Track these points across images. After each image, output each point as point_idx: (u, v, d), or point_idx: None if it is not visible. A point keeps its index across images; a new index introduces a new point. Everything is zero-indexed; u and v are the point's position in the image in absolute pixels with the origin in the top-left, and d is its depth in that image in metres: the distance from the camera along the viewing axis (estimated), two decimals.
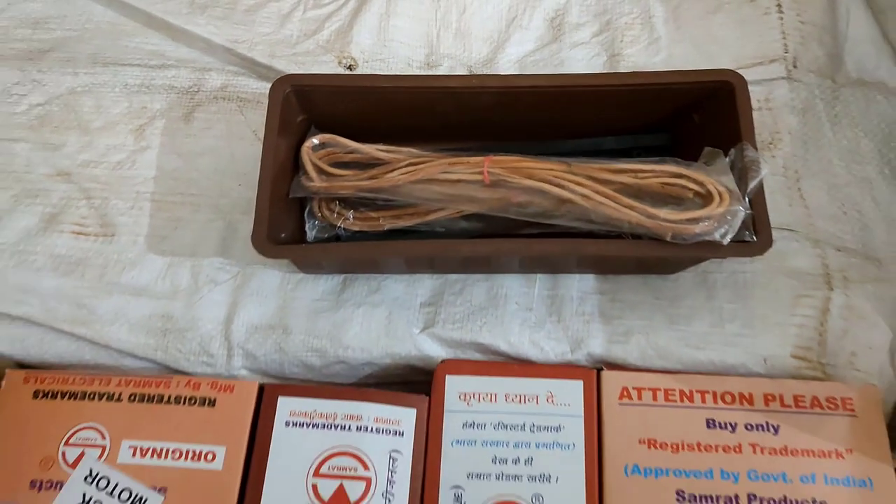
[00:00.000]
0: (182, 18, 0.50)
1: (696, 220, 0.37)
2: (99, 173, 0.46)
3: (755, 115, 0.42)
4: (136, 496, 0.36)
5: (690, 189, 0.38)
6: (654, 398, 0.38)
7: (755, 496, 0.36)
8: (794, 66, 0.46)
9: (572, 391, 0.38)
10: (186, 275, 0.44)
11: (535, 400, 0.38)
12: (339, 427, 0.37)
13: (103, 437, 0.37)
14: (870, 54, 0.47)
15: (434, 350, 0.41)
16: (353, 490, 0.36)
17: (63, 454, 0.37)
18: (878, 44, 0.48)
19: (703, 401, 0.38)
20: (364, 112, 0.43)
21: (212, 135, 0.47)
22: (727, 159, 0.39)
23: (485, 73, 0.48)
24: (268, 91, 0.40)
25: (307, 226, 0.42)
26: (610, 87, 0.41)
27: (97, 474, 0.36)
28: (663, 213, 0.37)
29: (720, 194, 0.37)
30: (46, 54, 0.50)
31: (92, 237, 0.45)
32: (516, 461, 0.37)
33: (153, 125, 0.48)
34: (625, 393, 0.38)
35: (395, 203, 0.41)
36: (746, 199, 0.37)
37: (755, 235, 0.37)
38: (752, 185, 0.38)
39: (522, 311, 0.42)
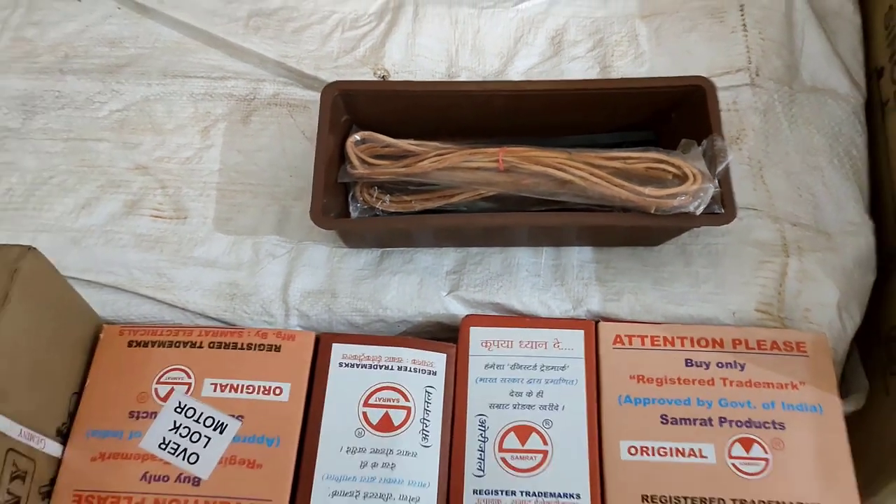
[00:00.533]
0: (239, 37, 0.58)
1: (674, 196, 0.45)
2: (171, 167, 0.55)
3: (724, 115, 0.51)
4: (218, 422, 0.44)
5: (670, 171, 0.46)
6: (642, 343, 0.46)
7: (725, 419, 0.43)
8: (757, 75, 0.55)
9: (575, 338, 0.46)
10: (248, 250, 0.52)
11: (544, 346, 0.46)
12: (383, 367, 0.45)
13: (189, 377, 0.45)
14: (822, 67, 0.56)
15: (458, 309, 0.49)
16: (396, 417, 0.44)
17: (155, 390, 0.45)
18: (829, 58, 0.56)
19: (682, 345, 0.46)
20: (397, 113, 0.51)
21: (266, 134, 0.56)
22: (700, 148, 0.47)
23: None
24: (313, 98, 0.49)
25: (351, 207, 0.50)
26: (602, 90, 0.49)
27: (185, 405, 0.44)
28: (647, 190, 0.45)
29: (694, 175, 0.46)
30: (123, 68, 0.59)
31: (167, 220, 0.53)
32: (529, 394, 0.45)
33: (216, 127, 0.56)
34: (618, 339, 0.46)
35: (424, 188, 0.50)
36: (716, 179, 0.46)
37: (723, 208, 0.45)
38: (720, 168, 0.46)
39: (532, 277, 0.50)
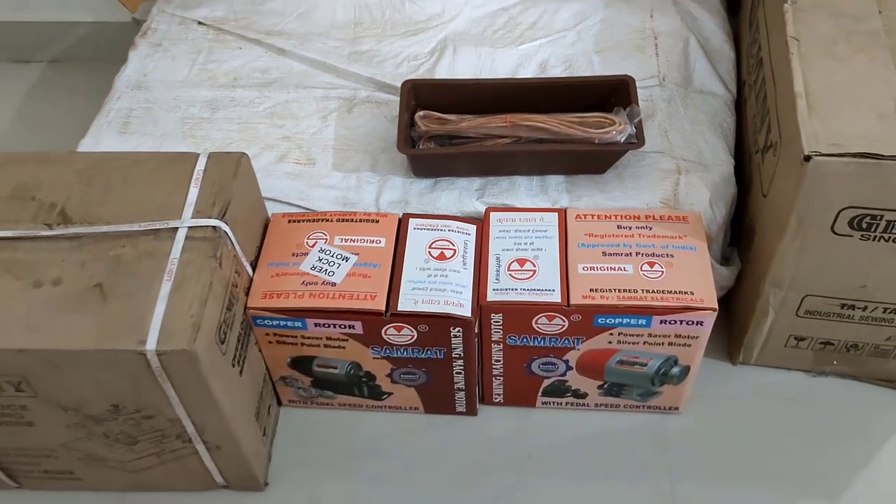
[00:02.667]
0: (344, 65, 0.94)
1: (608, 132, 0.78)
2: (304, 137, 0.89)
3: (642, 102, 0.85)
4: (344, 256, 0.75)
5: (607, 121, 0.80)
6: (592, 218, 0.78)
7: (639, 253, 0.74)
8: (664, 80, 0.89)
9: (552, 217, 0.78)
10: (353, 180, 0.85)
11: (534, 221, 0.78)
12: (438, 230, 0.77)
13: (325, 235, 0.77)
14: (706, 79, 0.91)
15: (481, 208, 0.81)
16: (447, 254, 0.75)
17: (306, 242, 0.77)
18: (711, 74, 0.91)
19: (615, 218, 0.77)
20: (444, 99, 0.85)
21: (362, 119, 0.90)
22: (625, 112, 0.81)
23: None
24: (392, 98, 0.83)
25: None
26: (572, 82, 0.84)
27: (324, 248, 0.76)
28: (592, 130, 0.79)
29: (619, 122, 0.79)
30: (271, 84, 0.94)
31: (303, 164, 0.86)
32: (525, 244, 0.76)
33: (331, 115, 0.91)
34: (577, 217, 0.78)
35: (462, 140, 0.83)
36: (632, 125, 0.79)
37: (636, 139, 0.79)
38: (635, 119, 0.80)
39: (526, 190, 0.82)
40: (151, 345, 0.61)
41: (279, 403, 0.86)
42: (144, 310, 0.63)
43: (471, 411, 0.84)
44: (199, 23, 1.01)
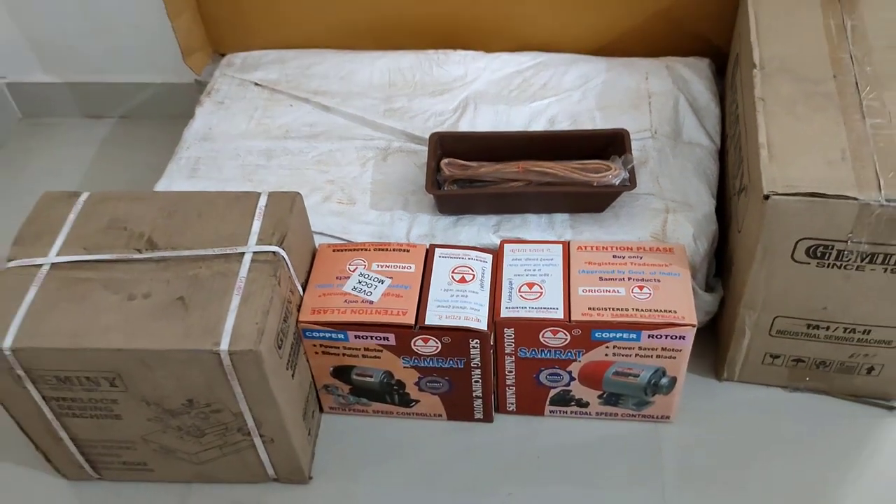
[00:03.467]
0: (380, 119, 1.09)
1: (605, 176, 0.92)
2: (346, 181, 1.04)
3: (636, 152, 0.99)
4: (379, 279, 0.89)
5: (604, 167, 0.94)
6: (592, 249, 0.91)
7: (630, 278, 0.87)
8: (655, 133, 1.03)
9: (557, 248, 0.91)
10: (388, 217, 0.99)
11: (541, 251, 0.92)
12: (460, 258, 0.91)
13: (364, 262, 0.91)
14: (693, 132, 1.05)
15: (497, 240, 0.95)
16: (468, 278, 0.89)
17: (348, 268, 0.91)
18: (698, 128, 1.05)
19: (610, 249, 0.91)
20: (466, 148, 1.00)
21: (395, 166, 1.05)
22: (620, 159, 0.95)
23: None
24: (421, 148, 0.98)
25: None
26: (573, 134, 0.98)
27: (364, 273, 0.90)
28: (592, 175, 0.93)
29: (615, 168, 0.93)
30: (317, 136, 1.09)
31: (345, 204, 1.01)
32: (533, 270, 0.89)
33: (368, 162, 1.06)
34: (579, 248, 0.91)
35: (481, 183, 0.98)
36: (626, 171, 0.93)
37: (629, 183, 0.92)
38: (629, 166, 0.94)
39: (536, 226, 0.96)
40: (224, 345, 0.75)
41: (321, 410, 0.99)
42: (218, 318, 0.77)
43: (487, 418, 0.96)
44: (256, 84, 1.18)
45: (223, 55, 1.26)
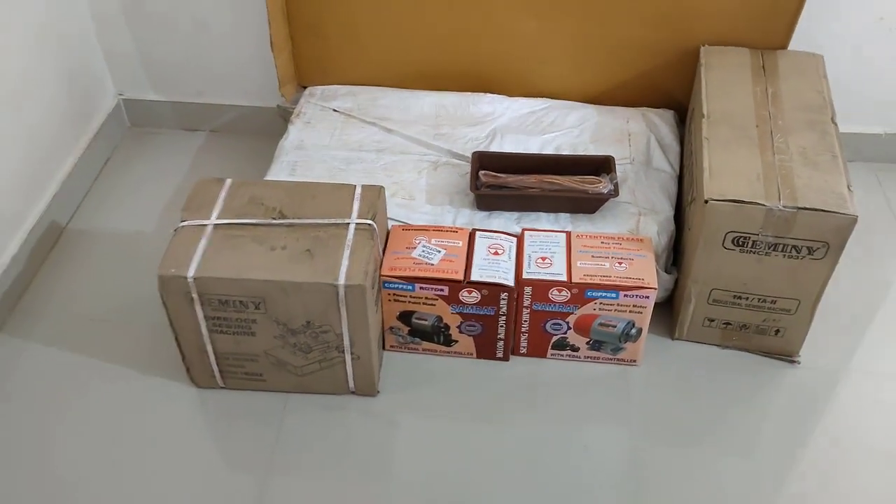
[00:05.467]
0: (431, 140, 1.48)
1: (597, 187, 1.32)
2: (406, 183, 1.41)
3: (619, 174, 1.39)
4: (437, 249, 1.26)
5: (597, 181, 1.33)
6: (587, 237, 1.29)
7: (613, 257, 1.25)
8: (633, 161, 1.43)
9: (562, 236, 1.30)
10: (439, 209, 1.37)
11: (551, 236, 1.30)
12: (493, 238, 1.28)
13: (426, 238, 1.28)
14: (660, 161, 1.45)
15: (518, 229, 1.33)
16: (500, 252, 1.26)
17: (414, 241, 1.28)
18: (663, 159, 1.45)
19: (600, 238, 1.29)
20: (498, 163, 1.39)
21: (443, 175, 1.43)
22: (608, 176, 1.34)
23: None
24: (464, 163, 1.36)
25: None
26: (574, 158, 1.38)
27: (426, 245, 1.27)
28: (588, 186, 1.32)
29: (604, 182, 1.33)
30: (383, 151, 1.47)
31: (408, 200, 1.39)
32: (545, 249, 1.27)
33: (423, 171, 1.44)
34: (577, 236, 1.30)
35: (508, 188, 1.36)
36: (612, 184, 1.32)
37: (615, 193, 1.32)
38: (614, 181, 1.33)
39: (546, 221, 1.34)
40: (341, 280, 1.12)
41: (384, 347, 1.35)
42: (335, 263, 1.14)
43: (506, 357, 1.33)
44: (334, 110, 1.56)
45: (305, 87, 1.64)
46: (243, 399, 1.28)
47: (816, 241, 1.17)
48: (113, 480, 1.18)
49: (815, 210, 1.14)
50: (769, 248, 1.19)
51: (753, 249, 1.20)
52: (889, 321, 1.41)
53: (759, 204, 1.15)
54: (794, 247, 1.18)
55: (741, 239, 1.19)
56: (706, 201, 1.17)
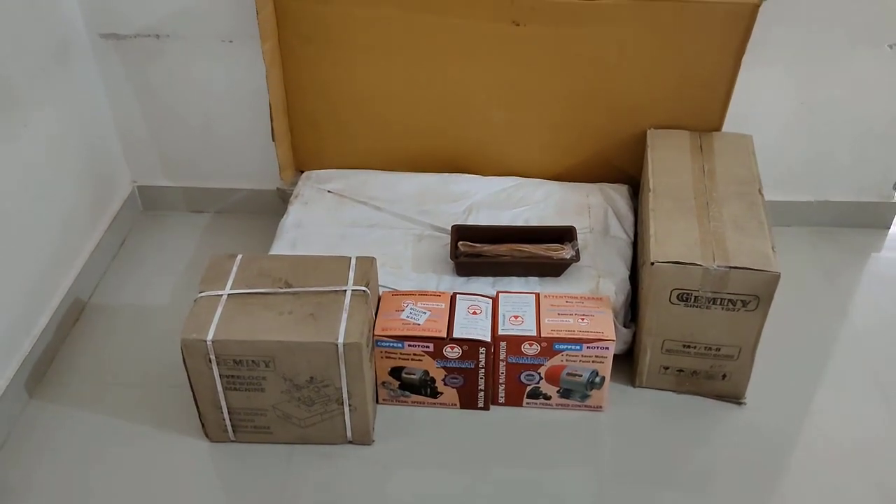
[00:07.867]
0: (416, 216, 1.68)
1: (560, 254, 1.51)
2: (394, 255, 1.60)
3: (580, 241, 1.59)
4: (423, 311, 1.45)
5: (560, 248, 1.53)
6: (553, 297, 1.48)
7: (576, 314, 1.44)
8: (592, 230, 1.63)
9: (531, 297, 1.48)
10: (423, 277, 1.55)
11: (522, 297, 1.48)
12: (472, 300, 1.47)
13: (412, 302, 1.47)
14: (616, 229, 1.65)
15: (493, 292, 1.52)
16: (477, 312, 1.45)
17: (402, 305, 1.46)
18: (619, 227, 1.66)
19: (565, 297, 1.48)
20: (474, 235, 1.59)
21: (426, 246, 1.62)
22: (570, 244, 1.54)
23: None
24: (443, 235, 1.56)
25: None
26: (540, 229, 1.58)
27: (412, 308, 1.45)
28: (553, 253, 1.52)
29: (567, 249, 1.52)
30: (374, 226, 1.67)
31: (396, 269, 1.57)
32: (517, 308, 1.46)
33: (409, 243, 1.63)
34: (545, 296, 1.48)
35: (484, 257, 1.56)
36: (574, 251, 1.52)
37: (577, 258, 1.51)
38: (575, 248, 1.53)
39: (518, 284, 1.53)
40: (340, 339, 1.29)
41: (377, 400, 1.52)
42: (335, 325, 1.31)
43: (486, 406, 1.50)
44: (329, 191, 1.76)
45: (303, 171, 1.84)
46: (252, 451, 1.44)
47: (748, 295, 1.36)
48: None
49: (745, 269, 1.34)
50: (709, 302, 1.38)
51: (696, 304, 1.39)
52: (823, 363, 1.59)
53: (697, 265, 1.35)
54: (730, 300, 1.37)
55: (685, 295, 1.38)
56: (652, 263, 1.36)
